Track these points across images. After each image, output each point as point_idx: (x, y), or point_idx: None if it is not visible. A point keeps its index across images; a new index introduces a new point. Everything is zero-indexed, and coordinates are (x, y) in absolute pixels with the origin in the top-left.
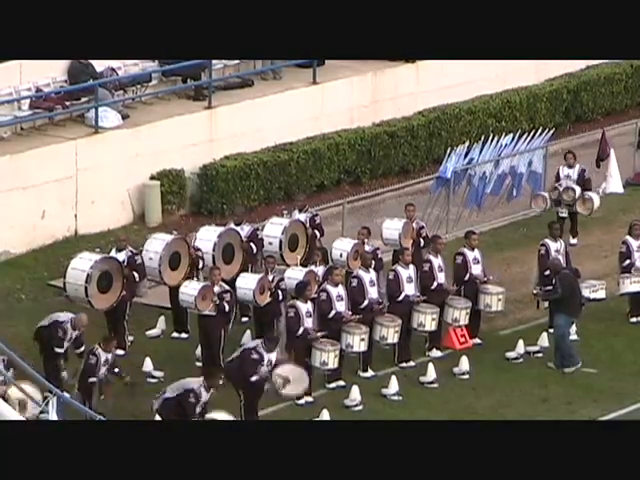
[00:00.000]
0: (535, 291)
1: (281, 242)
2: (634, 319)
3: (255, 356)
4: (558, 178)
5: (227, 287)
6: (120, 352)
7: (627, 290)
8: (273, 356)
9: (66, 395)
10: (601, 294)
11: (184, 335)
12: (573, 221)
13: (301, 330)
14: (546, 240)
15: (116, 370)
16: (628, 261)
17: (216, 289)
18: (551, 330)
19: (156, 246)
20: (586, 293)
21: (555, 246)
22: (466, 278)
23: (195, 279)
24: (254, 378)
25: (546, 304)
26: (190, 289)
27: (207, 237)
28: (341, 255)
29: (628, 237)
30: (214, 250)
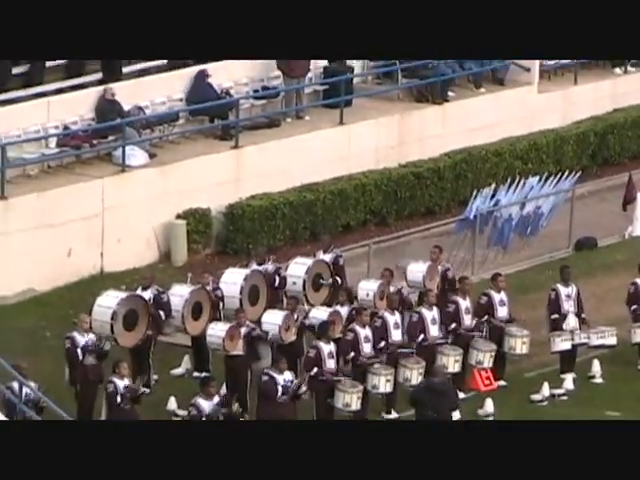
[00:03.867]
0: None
1: (305, 282)
2: None
3: (265, 378)
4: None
5: (253, 326)
6: (146, 390)
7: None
8: (288, 375)
9: None
10: (611, 341)
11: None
12: None
13: (322, 371)
14: (557, 285)
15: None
16: (635, 305)
17: (243, 330)
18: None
19: (176, 303)
20: (595, 340)
21: (566, 291)
22: (484, 319)
23: (219, 320)
24: (279, 399)
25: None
26: (218, 330)
27: (233, 280)
28: (367, 295)
29: (638, 279)
30: (241, 294)
